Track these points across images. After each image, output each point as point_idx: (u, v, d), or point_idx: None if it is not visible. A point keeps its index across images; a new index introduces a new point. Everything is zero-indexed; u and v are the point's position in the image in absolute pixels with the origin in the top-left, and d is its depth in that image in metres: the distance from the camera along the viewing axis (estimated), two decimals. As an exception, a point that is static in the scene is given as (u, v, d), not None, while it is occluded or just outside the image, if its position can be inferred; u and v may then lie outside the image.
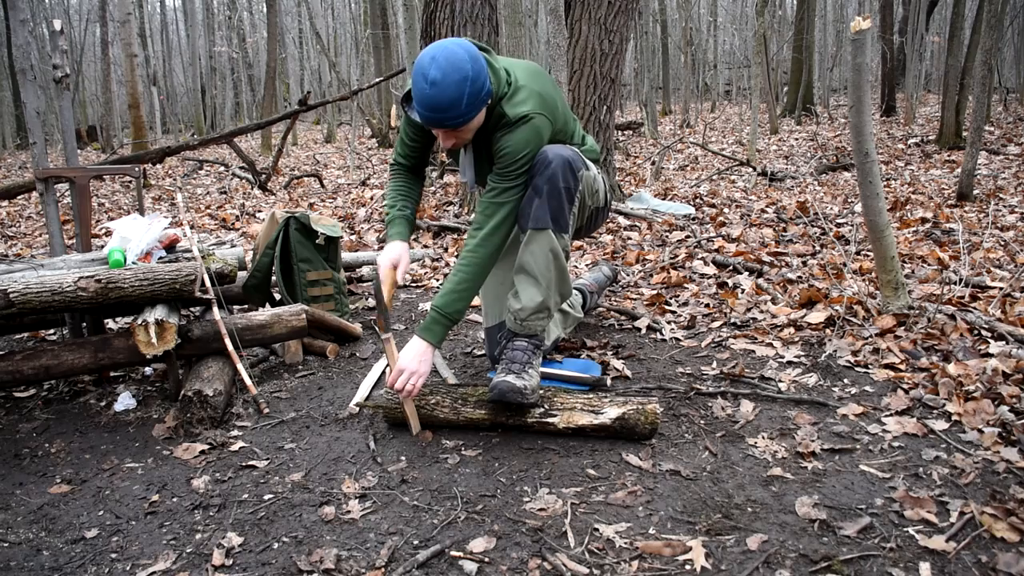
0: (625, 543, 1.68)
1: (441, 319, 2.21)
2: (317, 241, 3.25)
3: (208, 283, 2.63)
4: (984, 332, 2.70)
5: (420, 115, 2.13)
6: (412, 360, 2.17)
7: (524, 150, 2.20)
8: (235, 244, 3.41)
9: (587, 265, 4.21)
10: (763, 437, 2.13)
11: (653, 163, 8.42)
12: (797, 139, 12.38)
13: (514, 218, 2.28)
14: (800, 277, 3.66)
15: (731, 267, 3.94)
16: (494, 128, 2.24)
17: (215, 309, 2.62)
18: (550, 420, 2.16)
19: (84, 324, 2.86)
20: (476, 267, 2.23)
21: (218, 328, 2.61)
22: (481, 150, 2.38)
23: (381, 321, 2.30)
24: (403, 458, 2.14)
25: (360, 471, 2.08)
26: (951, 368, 2.40)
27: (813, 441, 2.07)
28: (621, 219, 5.31)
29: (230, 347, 2.60)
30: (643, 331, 3.09)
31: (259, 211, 7.16)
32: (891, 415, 2.21)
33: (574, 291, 2.95)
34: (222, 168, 11.19)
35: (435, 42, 2.14)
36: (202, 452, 2.24)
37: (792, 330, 2.94)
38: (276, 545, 1.75)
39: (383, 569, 1.63)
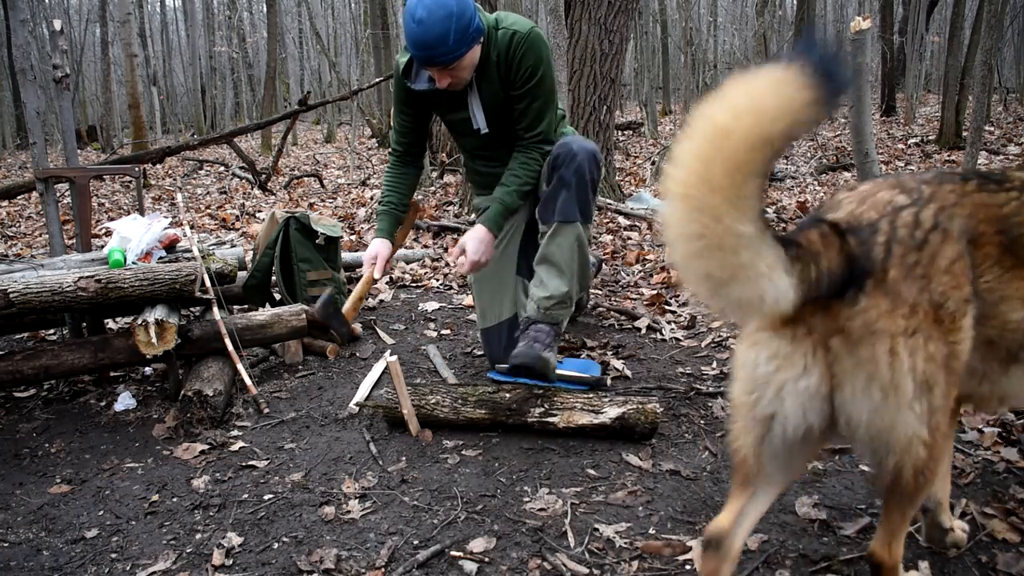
0: (625, 543, 1.68)
1: (504, 211, 2.40)
2: (317, 241, 3.25)
3: (208, 283, 2.63)
4: (984, 332, 2.70)
5: (414, 56, 2.22)
6: (478, 247, 2.36)
7: (544, 61, 2.33)
8: (235, 244, 3.42)
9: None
10: (763, 437, 2.13)
11: (653, 163, 8.42)
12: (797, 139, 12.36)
13: (555, 127, 2.45)
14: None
15: (731, 267, 3.93)
16: (506, 50, 2.31)
17: (215, 309, 2.62)
18: (550, 420, 2.17)
19: (84, 324, 2.86)
20: (535, 175, 2.41)
21: (218, 328, 2.61)
22: (486, 91, 2.41)
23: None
24: (403, 458, 2.14)
25: (360, 471, 2.08)
26: (951, 368, 2.39)
27: (813, 441, 2.07)
28: (621, 219, 5.31)
29: (230, 347, 2.60)
30: (643, 331, 3.09)
31: (259, 211, 7.16)
32: (891, 415, 2.20)
33: None
34: (222, 168, 11.19)
35: None
36: (202, 452, 2.24)
37: (792, 330, 2.93)
38: (276, 545, 1.75)
39: (383, 569, 1.63)
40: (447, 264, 4.46)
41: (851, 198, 1.27)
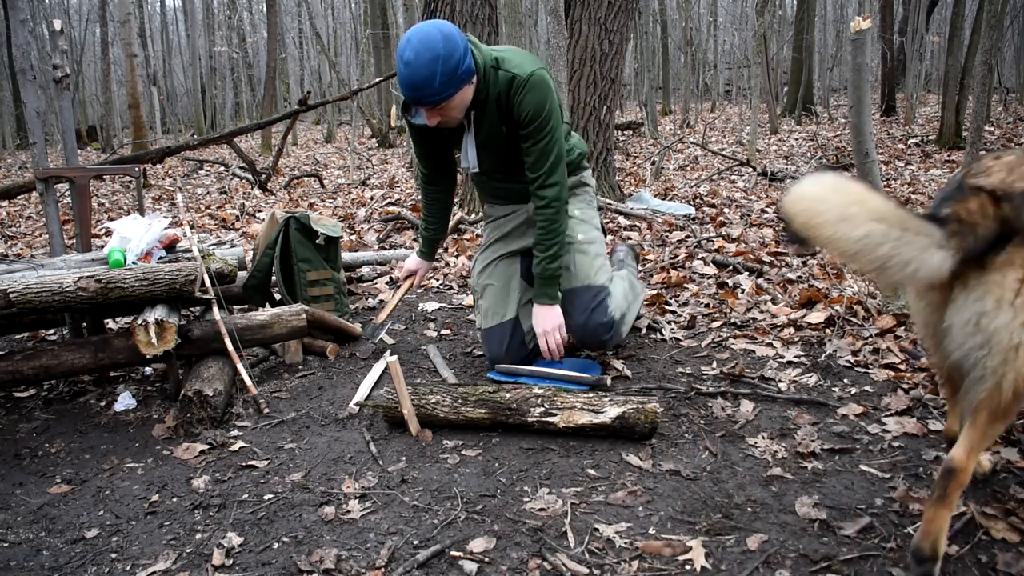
0: (625, 543, 1.68)
1: (551, 279, 2.49)
2: (317, 241, 3.25)
3: (208, 283, 2.63)
4: (984, 332, 2.70)
5: (403, 94, 2.26)
6: (546, 321, 2.49)
7: (547, 105, 2.35)
8: (235, 244, 3.42)
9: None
10: (763, 437, 2.13)
11: (653, 163, 8.42)
12: (797, 139, 12.38)
13: (566, 168, 2.47)
14: (800, 277, 3.66)
15: (731, 267, 3.94)
16: (506, 94, 2.34)
17: (215, 309, 2.62)
18: (550, 420, 2.17)
19: (84, 324, 2.86)
20: (559, 231, 2.45)
21: (218, 328, 2.61)
22: (484, 130, 2.44)
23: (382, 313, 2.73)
24: (403, 458, 2.14)
25: (360, 471, 2.08)
26: (951, 368, 2.40)
27: (813, 441, 2.07)
28: (621, 219, 5.31)
29: (230, 347, 2.60)
30: (643, 331, 3.09)
31: (259, 211, 7.16)
32: (891, 415, 2.21)
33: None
34: (222, 168, 11.19)
35: (416, 25, 2.25)
36: (202, 452, 2.24)
37: (792, 330, 2.94)
38: (276, 545, 1.75)
39: (383, 569, 1.63)
40: (447, 264, 4.46)
41: (999, 167, 1.48)
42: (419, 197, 2.82)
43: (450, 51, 2.16)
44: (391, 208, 6.19)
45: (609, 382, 2.47)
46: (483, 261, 2.77)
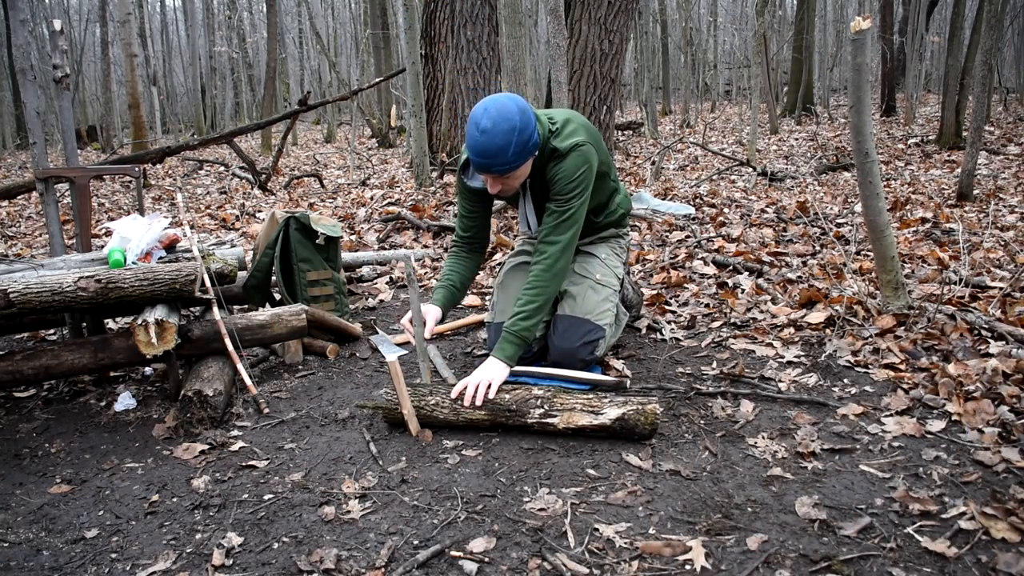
0: (625, 543, 1.68)
1: (513, 338, 2.37)
2: (317, 241, 3.25)
3: (208, 283, 2.63)
4: (984, 332, 2.70)
5: (472, 161, 2.30)
6: (486, 373, 2.29)
7: (575, 174, 2.39)
8: (235, 244, 3.42)
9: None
10: (763, 437, 2.13)
11: (653, 163, 8.42)
12: (797, 139, 12.38)
13: (576, 239, 2.46)
14: (800, 277, 3.66)
15: (731, 267, 3.94)
16: (545, 163, 2.43)
17: (215, 309, 2.62)
18: (550, 420, 2.16)
19: (84, 324, 2.86)
20: (545, 290, 2.41)
21: (218, 328, 2.61)
22: (539, 198, 2.55)
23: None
24: (403, 458, 2.14)
25: (360, 471, 2.08)
26: (951, 368, 2.40)
27: (813, 441, 2.07)
28: (621, 219, 5.31)
29: (230, 347, 2.60)
30: (643, 331, 3.09)
31: (259, 211, 7.16)
32: (891, 415, 2.21)
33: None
34: (222, 168, 11.19)
35: (491, 96, 2.33)
36: (202, 452, 2.24)
37: (792, 330, 2.94)
38: (276, 545, 1.75)
39: (383, 569, 1.63)
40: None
41: None
42: (445, 261, 2.77)
43: (524, 124, 2.25)
44: (391, 208, 6.19)
45: (628, 384, 2.46)
46: (510, 264, 2.86)
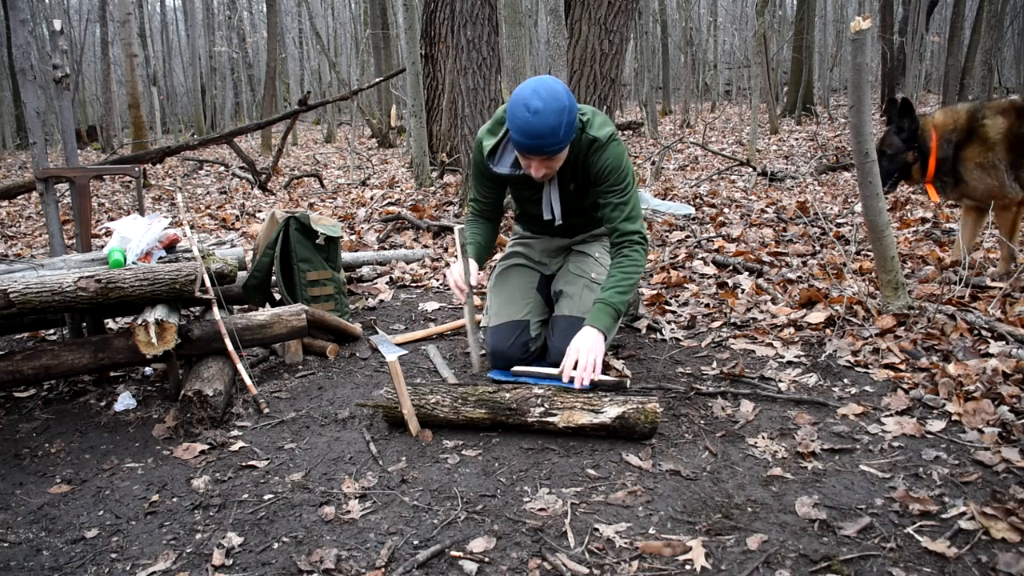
0: (625, 543, 1.68)
1: (610, 310, 2.40)
2: (317, 241, 3.25)
3: (208, 283, 2.63)
4: (984, 332, 2.70)
5: (519, 144, 2.29)
6: (587, 342, 2.32)
7: (623, 161, 2.45)
8: (235, 244, 3.41)
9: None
10: (763, 437, 2.13)
11: (653, 163, 8.42)
12: (797, 139, 12.38)
13: (641, 213, 2.52)
14: (800, 277, 3.66)
15: (731, 267, 3.94)
16: (584, 153, 2.44)
17: (215, 309, 2.62)
18: (550, 419, 2.16)
19: (84, 324, 2.86)
20: (640, 268, 2.49)
21: (218, 328, 2.61)
22: (566, 185, 2.56)
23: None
24: (403, 458, 2.14)
25: (360, 471, 2.08)
26: (951, 368, 2.40)
27: (813, 441, 2.07)
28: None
29: (230, 347, 2.60)
30: (643, 331, 3.09)
31: (259, 211, 7.16)
32: (891, 415, 2.21)
33: None
34: (222, 168, 11.19)
35: (531, 78, 2.32)
36: (202, 452, 2.24)
37: (792, 330, 2.94)
38: (276, 545, 1.75)
39: (383, 569, 1.63)
40: (447, 264, 4.46)
41: None
42: (466, 224, 2.79)
43: (572, 103, 2.27)
44: (391, 208, 6.20)
45: (628, 384, 2.46)
46: (502, 266, 2.86)
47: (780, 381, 2.50)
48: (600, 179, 2.46)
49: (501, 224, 2.92)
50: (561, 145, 2.28)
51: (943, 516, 1.70)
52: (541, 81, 2.27)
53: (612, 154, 2.42)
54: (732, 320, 3.13)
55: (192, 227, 5.79)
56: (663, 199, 6.19)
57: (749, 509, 1.78)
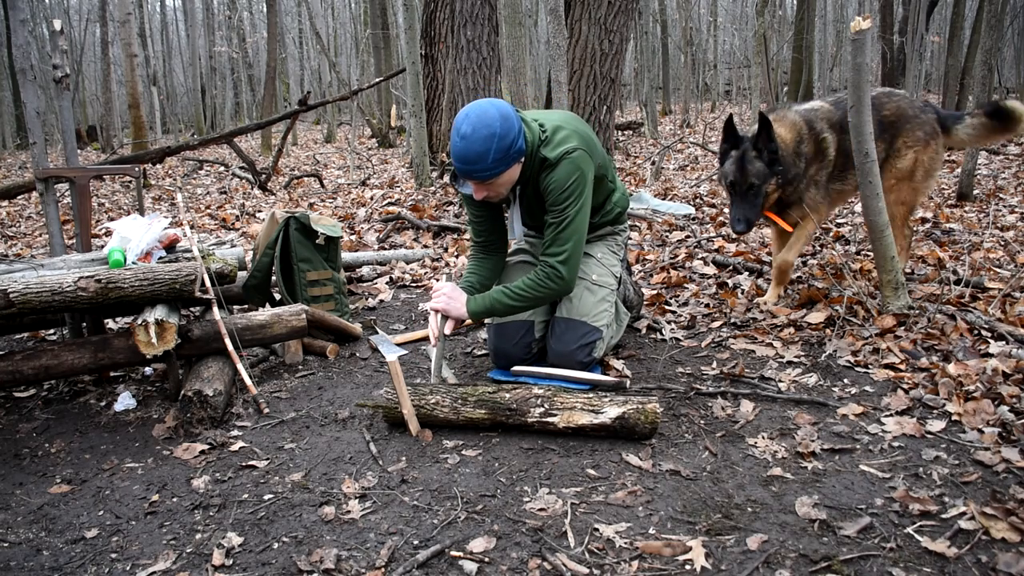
0: (625, 543, 1.68)
1: (488, 302, 2.45)
2: (317, 241, 3.25)
3: (208, 283, 2.63)
4: (984, 332, 2.70)
5: (455, 167, 2.31)
6: (448, 302, 2.43)
7: (567, 182, 2.37)
8: (235, 244, 3.41)
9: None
10: (763, 437, 2.13)
11: (653, 163, 8.42)
12: (797, 139, 12.35)
13: (580, 246, 2.46)
14: (800, 277, 3.66)
15: (731, 267, 3.94)
16: (536, 173, 2.42)
17: (215, 309, 2.62)
18: (550, 419, 2.16)
19: (84, 324, 2.86)
20: (536, 298, 2.46)
21: (218, 328, 2.61)
22: (528, 203, 2.56)
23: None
24: (403, 458, 2.14)
25: (360, 471, 2.08)
26: (951, 368, 2.40)
27: (813, 441, 2.07)
28: (621, 219, 5.31)
29: (230, 347, 2.60)
30: (643, 331, 3.09)
31: (259, 211, 7.16)
32: (891, 415, 2.21)
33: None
34: (222, 168, 11.19)
35: (475, 101, 2.33)
36: (202, 452, 2.24)
37: (792, 330, 2.94)
38: (276, 545, 1.75)
39: (383, 569, 1.63)
40: (447, 264, 4.46)
41: None
42: (466, 264, 2.77)
43: (506, 130, 2.24)
44: (391, 208, 6.19)
45: (628, 384, 2.46)
46: (507, 263, 2.83)
47: (780, 381, 2.50)
48: (545, 198, 2.43)
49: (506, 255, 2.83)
50: (491, 171, 2.27)
51: (943, 516, 1.70)
52: (477, 105, 2.28)
53: (559, 174, 2.36)
54: (732, 320, 3.13)
55: (192, 227, 5.79)
56: (663, 199, 6.19)
57: (749, 509, 1.78)
